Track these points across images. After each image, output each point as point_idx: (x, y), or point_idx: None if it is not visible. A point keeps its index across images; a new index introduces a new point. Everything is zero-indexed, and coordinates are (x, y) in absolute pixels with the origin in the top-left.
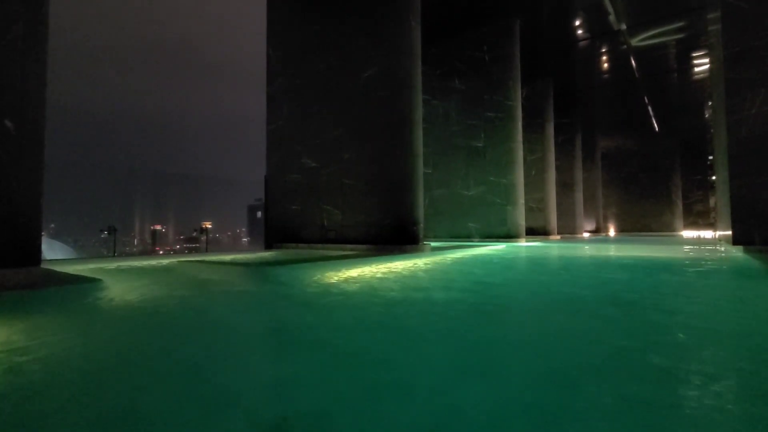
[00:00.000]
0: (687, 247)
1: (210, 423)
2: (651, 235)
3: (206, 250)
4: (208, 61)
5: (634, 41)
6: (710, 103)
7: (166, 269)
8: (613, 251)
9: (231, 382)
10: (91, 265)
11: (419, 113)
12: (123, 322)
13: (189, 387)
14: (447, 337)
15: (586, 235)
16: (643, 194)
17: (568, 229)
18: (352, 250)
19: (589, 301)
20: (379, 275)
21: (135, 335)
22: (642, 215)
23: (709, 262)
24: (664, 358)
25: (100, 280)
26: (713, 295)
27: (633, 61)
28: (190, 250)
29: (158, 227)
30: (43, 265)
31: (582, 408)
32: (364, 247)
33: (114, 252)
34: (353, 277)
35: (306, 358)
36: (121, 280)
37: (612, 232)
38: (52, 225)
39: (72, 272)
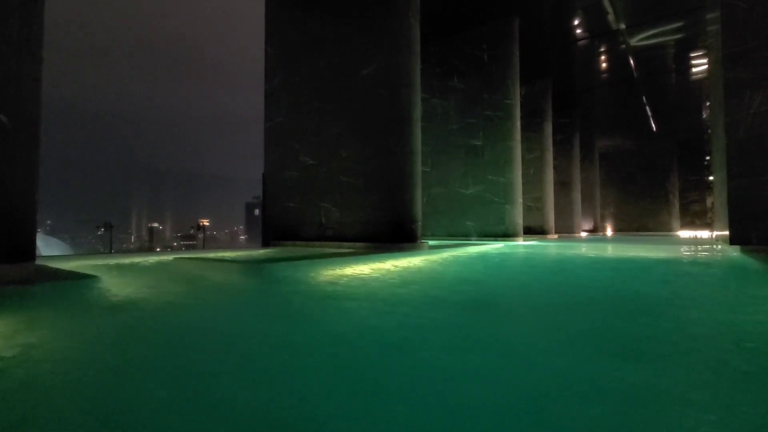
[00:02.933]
0: (685, 248)
1: (206, 419)
2: (648, 235)
3: (203, 248)
4: (206, 59)
5: (633, 41)
6: (708, 104)
7: (163, 266)
8: (611, 251)
9: (224, 373)
10: (88, 262)
11: (418, 111)
12: (117, 318)
13: (180, 382)
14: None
15: (583, 234)
16: (641, 194)
17: (566, 229)
18: (350, 247)
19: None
20: (381, 274)
21: (130, 332)
22: (639, 215)
23: (710, 261)
24: None
25: (96, 276)
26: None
27: (632, 61)
28: (187, 248)
29: (155, 224)
30: (39, 262)
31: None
32: (362, 245)
33: (111, 249)
34: (349, 276)
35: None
36: (117, 277)
37: (609, 232)
38: (49, 222)
39: (68, 269)
